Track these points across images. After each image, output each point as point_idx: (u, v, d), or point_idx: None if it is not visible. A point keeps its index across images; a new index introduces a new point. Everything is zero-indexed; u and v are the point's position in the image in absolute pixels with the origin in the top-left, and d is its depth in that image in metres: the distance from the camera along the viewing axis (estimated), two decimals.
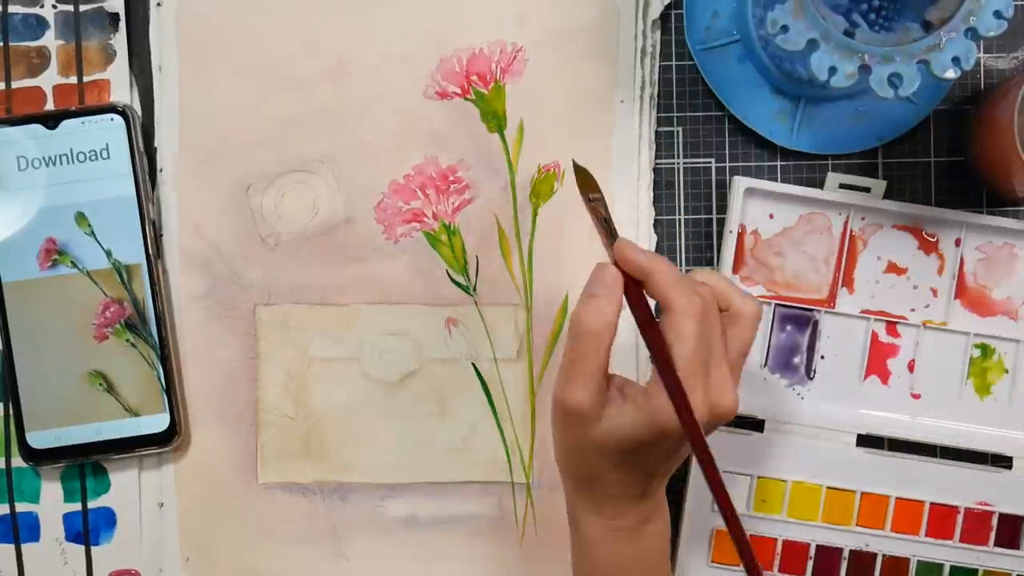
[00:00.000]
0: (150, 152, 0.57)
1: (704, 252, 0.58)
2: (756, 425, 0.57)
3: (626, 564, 0.47)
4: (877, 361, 0.57)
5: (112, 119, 0.55)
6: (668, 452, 0.45)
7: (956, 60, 0.46)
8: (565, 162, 0.56)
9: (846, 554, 0.57)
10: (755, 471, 0.56)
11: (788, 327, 0.57)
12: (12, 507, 0.56)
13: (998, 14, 0.46)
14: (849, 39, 0.47)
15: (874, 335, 0.57)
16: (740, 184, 0.56)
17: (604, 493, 0.46)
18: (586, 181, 0.50)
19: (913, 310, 0.57)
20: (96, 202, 0.55)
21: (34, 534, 0.56)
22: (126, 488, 0.56)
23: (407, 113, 0.56)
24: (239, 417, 0.57)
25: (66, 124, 0.55)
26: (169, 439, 0.55)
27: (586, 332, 0.44)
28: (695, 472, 0.56)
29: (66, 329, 0.55)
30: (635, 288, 0.45)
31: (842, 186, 0.56)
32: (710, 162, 0.58)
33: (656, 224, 0.57)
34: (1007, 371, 0.57)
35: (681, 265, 0.57)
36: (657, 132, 0.57)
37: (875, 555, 0.57)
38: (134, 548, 0.56)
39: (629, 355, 0.56)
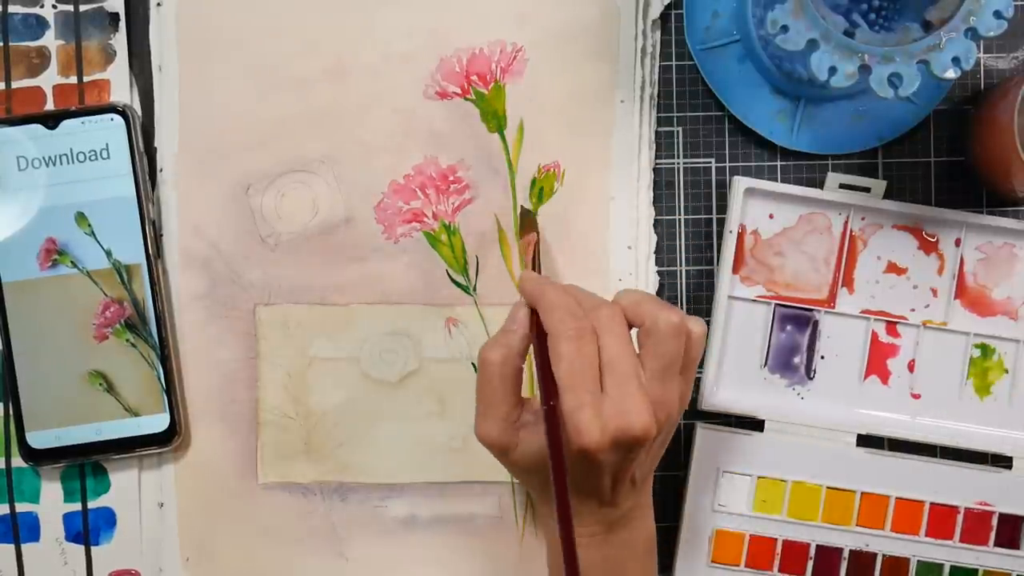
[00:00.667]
0: (150, 152, 0.57)
1: (704, 252, 0.58)
2: (756, 425, 0.57)
3: (590, 569, 0.47)
4: (877, 361, 0.57)
5: (112, 119, 0.55)
6: (598, 466, 0.44)
7: (956, 60, 0.46)
8: (565, 162, 0.56)
9: (846, 554, 0.57)
10: (755, 471, 0.56)
11: (788, 327, 0.57)
12: (12, 507, 0.56)
13: (998, 14, 0.46)
14: (849, 39, 0.47)
15: (874, 335, 0.57)
16: (740, 184, 0.56)
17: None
18: (529, 223, 0.54)
19: (913, 310, 0.57)
20: (96, 202, 0.55)
21: (34, 534, 0.56)
22: (126, 488, 0.56)
23: (407, 113, 0.56)
24: (239, 417, 0.57)
25: (66, 124, 0.55)
26: (169, 439, 0.55)
27: (486, 362, 0.46)
28: (694, 473, 0.56)
29: (66, 329, 0.55)
30: (535, 319, 0.46)
31: (842, 186, 0.56)
32: (710, 162, 0.58)
33: (656, 224, 0.57)
34: (1007, 371, 0.57)
35: (681, 265, 0.58)
36: (657, 132, 0.57)
37: (875, 555, 0.57)
38: (134, 548, 0.56)
39: None
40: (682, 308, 0.57)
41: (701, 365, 0.57)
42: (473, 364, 0.57)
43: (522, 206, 0.56)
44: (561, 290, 0.46)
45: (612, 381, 0.43)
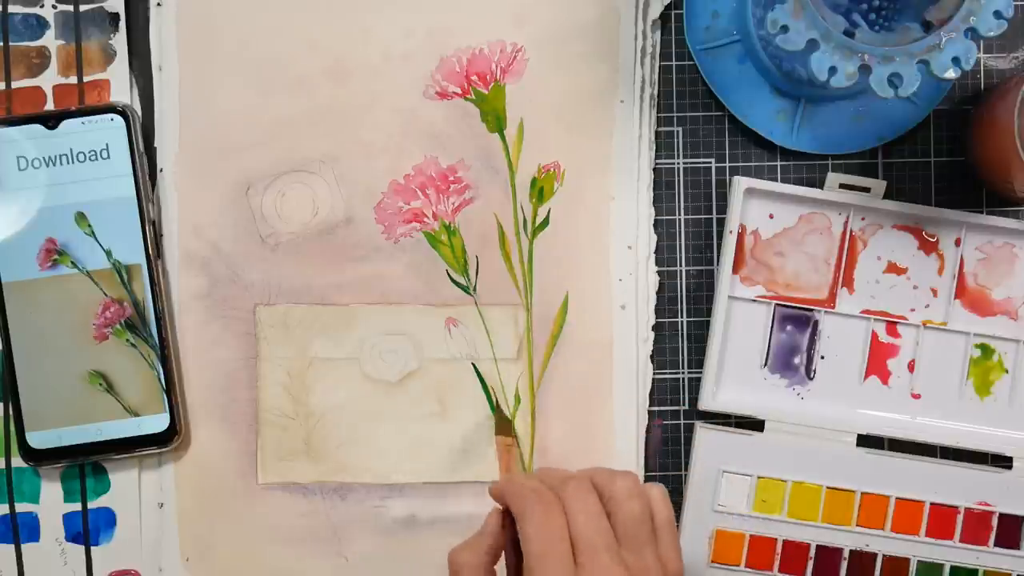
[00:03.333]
0: (150, 152, 0.57)
1: (704, 252, 0.58)
2: (756, 425, 0.57)
3: None
4: (877, 361, 0.57)
5: (112, 119, 0.55)
6: None
7: (956, 60, 0.46)
8: (565, 162, 0.56)
9: (846, 554, 0.57)
10: (755, 471, 0.56)
11: (788, 327, 0.57)
12: (12, 507, 0.56)
13: (998, 14, 0.46)
14: (849, 39, 0.47)
15: (874, 335, 0.57)
16: (740, 184, 0.56)
17: None
18: (504, 426, 0.56)
19: (913, 310, 0.57)
20: (96, 202, 0.55)
21: (34, 534, 0.56)
22: (126, 488, 0.56)
23: (407, 113, 0.56)
24: (239, 417, 0.57)
25: (66, 124, 0.55)
26: (169, 439, 0.55)
27: (456, 565, 0.45)
28: (694, 472, 0.56)
29: (66, 329, 0.55)
30: (506, 518, 0.46)
31: (842, 186, 0.56)
32: (710, 162, 0.58)
33: (656, 224, 0.57)
34: (1007, 371, 0.57)
35: (681, 265, 0.58)
36: (657, 132, 0.57)
37: (875, 555, 0.57)
38: (134, 548, 0.56)
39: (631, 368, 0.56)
40: (682, 308, 0.58)
41: (700, 366, 0.57)
42: (473, 364, 0.57)
43: (499, 408, 0.56)
44: (526, 476, 0.45)
45: (584, 556, 0.42)
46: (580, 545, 0.42)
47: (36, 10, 0.56)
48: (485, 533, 0.46)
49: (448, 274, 0.57)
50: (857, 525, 0.56)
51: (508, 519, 0.46)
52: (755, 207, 0.56)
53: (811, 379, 0.57)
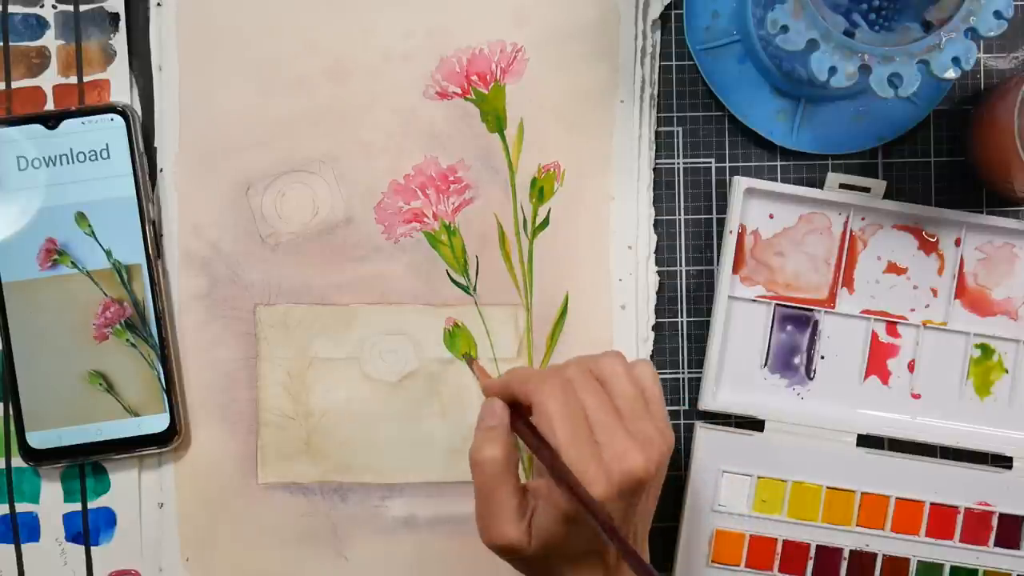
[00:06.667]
0: (150, 152, 0.57)
1: (704, 252, 0.58)
2: (756, 425, 0.57)
3: None
4: (877, 361, 0.57)
5: (112, 119, 0.55)
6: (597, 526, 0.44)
7: (956, 60, 0.46)
8: (565, 162, 0.56)
9: (846, 554, 0.57)
10: (755, 471, 0.56)
11: (788, 327, 0.57)
12: (12, 507, 0.56)
13: (998, 14, 0.46)
14: (849, 39, 0.47)
15: (874, 335, 0.57)
16: (740, 184, 0.56)
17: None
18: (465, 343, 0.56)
19: (913, 310, 0.57)
20: (96, 202, 0.55)
21: (34, 534, 0.56)
22: (126, 488, 0.56)
23: (407, 113, 0.56)
24: (239, 417, 0.57)
25: (66, 124, 0.55)
26: (169, 439, 0.55)
27: (486, 462, 0.45)
28: (694, 473, 0.56)
29: (66, 329, 0.55)
30: (515, 412, 0.46)
31: (842, 186, 0.56)
32: (710, 162, 0.58)
33: (656, 224, 0.57)
34: (1007, 371, 0.57)
35: (681, 265, 0.58)
36: (657, 132, 0.57)
37: (875, 555, 0.57)
38: (134, 548, 0.56)
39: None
40: (682, 308, 0.58)
41: (700, 366, 0.57)
42: None
43: (465, 354, 0.56)
44: (523, 368, 0.47)
45: (600, 430, 0.44)
46: (596, 424, 0.44)
47: (36, 10, 0.56)
48: (496, 425, 0.46)
49: (448, 274, 0.57)
50: (857, 525, 0.56)
51: (513, 405, 0.47)
52: (755, 207, 0.56)
53: (811, 379, 0.57)
